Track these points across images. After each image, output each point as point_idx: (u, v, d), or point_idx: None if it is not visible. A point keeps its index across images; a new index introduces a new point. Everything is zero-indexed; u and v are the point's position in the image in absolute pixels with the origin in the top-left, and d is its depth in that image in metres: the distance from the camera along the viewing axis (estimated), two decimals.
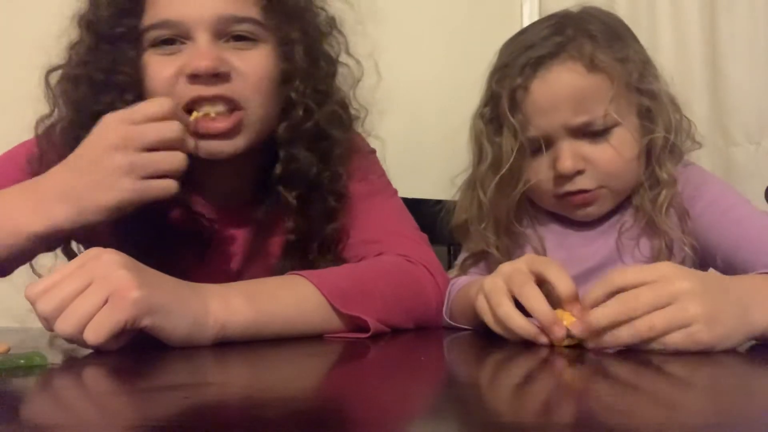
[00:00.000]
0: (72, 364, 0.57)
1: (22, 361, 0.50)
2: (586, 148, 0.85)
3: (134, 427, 0.34)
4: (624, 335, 0.57)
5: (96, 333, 0.53)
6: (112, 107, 0.73)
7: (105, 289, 0.54)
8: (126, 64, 0.75)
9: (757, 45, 1.27)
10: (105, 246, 0.76)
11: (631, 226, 0.89)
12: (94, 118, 0.73)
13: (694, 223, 0.85)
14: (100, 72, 0.75)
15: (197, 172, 0.72)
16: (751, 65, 1.27)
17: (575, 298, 0.62)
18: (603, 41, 0.85)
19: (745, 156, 1.29)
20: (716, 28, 1.30)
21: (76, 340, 0.55)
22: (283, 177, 0.79)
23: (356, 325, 0.69)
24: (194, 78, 0.73)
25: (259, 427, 0.34)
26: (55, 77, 0.79)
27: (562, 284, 0.63)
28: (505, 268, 0.68)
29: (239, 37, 0.76)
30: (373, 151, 0.93)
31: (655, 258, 0.87)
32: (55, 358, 0.56)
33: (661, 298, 0.56)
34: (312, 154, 0.79)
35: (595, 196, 0.87)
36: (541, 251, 0.92)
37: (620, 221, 0.90)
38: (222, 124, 0.74)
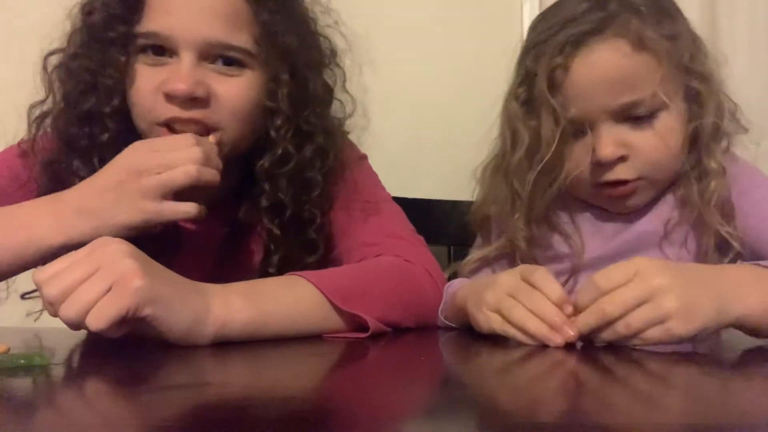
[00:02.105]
0: (72, 365, 0.57)
1: (22, 361, 0.50)
2: (629, 133, 0.79)
3: (134, 427, 0.34)
4: (605, 336, 0.59)
5: (98, 319, 0.54)
6: (98, 108, 0.75)
7: (110, 277, 0.55)
8: (113, 68, 0.76)
9: (757, 45, 1.27)
10: None
11: (678, 222, 0.83)
12: (82, 116, 0.76)
13: (743, 223, 0.81)
14: (88, 72, 0.76)
15: None
16: (752, 66, 1.27)
17: (565, 301, 0.63)
18: (650, 17, 0.78)
19: (746, 156, 1.28)
20: (716, 29, 1.30)
21: (79, 325, 0.55)
22: (267, 209, 0.80)
23: (356, 324, 0.69)
24: (170, 98, 0.74)
25: (259, 427, 0.34)
26: (51, 62, 0.80)
27: (551, 291, 0.63)
28: (503, 279, 0.68)
29: (228, 60, 0.76)
30: (364, 157, 0.92)
31: (702, 256, 0.82)
32: (55, 358, 0.56)
33: (636, 296, 0.58)
34: (292, 191, 0.80)
35: (633, 189, 0.81)
36: (578, 240, 0.86)
37: (663, 212, 0.84)
38: (193, 130, 0.74)
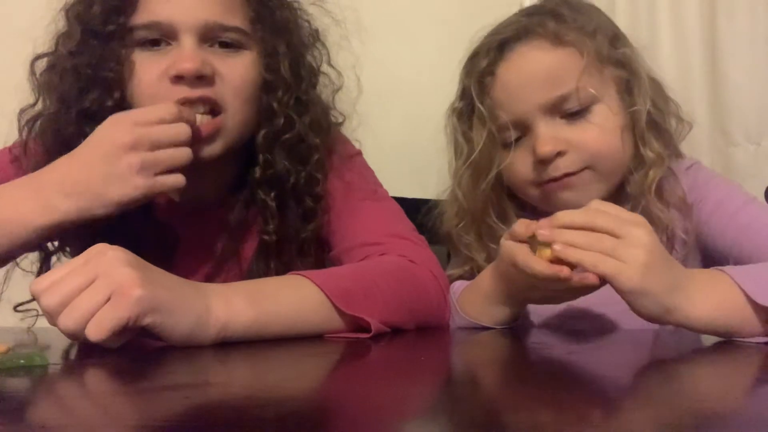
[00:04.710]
0: (72, 364, 0.57)
1: (22, 361, 0.50)
2: (565, 130, 0.82)
3: (134, 427, 0.34)
4: (573, 237, 0.63)
5: (98, 330, 0.54)
6: (99, 104, 0.75)
7: (108, 286, 0.54)
8: (114, 61, 0.76)
9: (757, 45, 1.27)
10: (71, 247, 0.77)
11: None
12: (81, 114, 0.75)
13: (702, 228, 0.83)
14: (88, 67, 0.76)
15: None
16: (751, 66, 1.27)
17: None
18: (569, 17, 0.84)
19: (745, 156, 1.28)
20: (716, 29, 1.30)
21: (79, 336, 0.55)
22: (261, 180, 0.81)
23: (358, 324, 0.69)
24: (178, 79, 0.74)
25: (259, 427, 0.34)
26: (40, 66, 0.80)
27: (539, 271, 0.66)
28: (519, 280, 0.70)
29: (224, 43, 0.78)
30: (359, 153, 0.93)
31: None
32: (55, 358, 0.56)
33: (619, 232, 0.62)
34: (291, 159, 0.81)
35: (580, 178, 0.83)
36: None
37: None
38: (203, 131, 0.75)
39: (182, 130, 0.71)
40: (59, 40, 0.79)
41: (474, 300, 0.78)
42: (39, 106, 0.80)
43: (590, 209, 0.65)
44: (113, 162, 0.68)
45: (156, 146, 0.69)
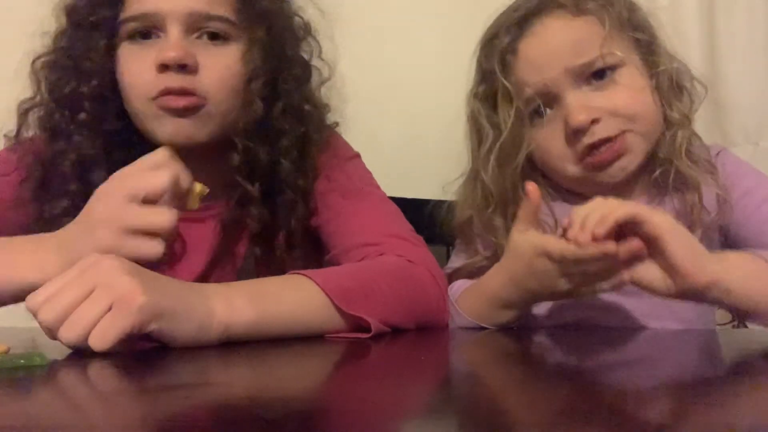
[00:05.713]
0: (72, 364, 0.57)
1: (22, 361, 0.50)
2: (596, 98, 0.81)
3: (135, 427, 0.34)
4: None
5: (102, 339, 0.53)
6: (77, 93, 0.79)
7: (109, 296, 0.54)
8: (95, 51, 0.79)
9: (755, 45, 1.27)
10: None
11: (658, 185, 0.84)
12: (61, 101, 0.79)
13: (745, 221, 0.83)
14: (71, 58, 0.79)
15: None
16: (750, 65, 1.27)
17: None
18: None
19: (744, 156, 1.26)
20: (715, 28, 1.30)
21: (81, 347, 0.54)
22: (240, 168, 0.82)
23: (358, 324, 0.69)
24: (164, 68, 0.76)
25: (260, 427, 0.34)
26: (38, 64, 0.83)
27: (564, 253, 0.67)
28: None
29: (213, 35, 0.80)
30: (357, 156, 0.93)
31: (686, 212, 0.82)
32: (55, 358, 0.56)
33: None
34: (266, 146, 0.82)
35: (623, 144, 0.81)
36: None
37: (641, 194, 0.86)
38: (183, 102, 0.77)
39: (166, 218, 0.65)
40: (56, 36, 0.82)
41: (476, 302, 0.78)
42: (37, 99, 0.82)
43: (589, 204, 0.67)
44: (91, 232, 0.65)
45: (132, 230, 0.65)
